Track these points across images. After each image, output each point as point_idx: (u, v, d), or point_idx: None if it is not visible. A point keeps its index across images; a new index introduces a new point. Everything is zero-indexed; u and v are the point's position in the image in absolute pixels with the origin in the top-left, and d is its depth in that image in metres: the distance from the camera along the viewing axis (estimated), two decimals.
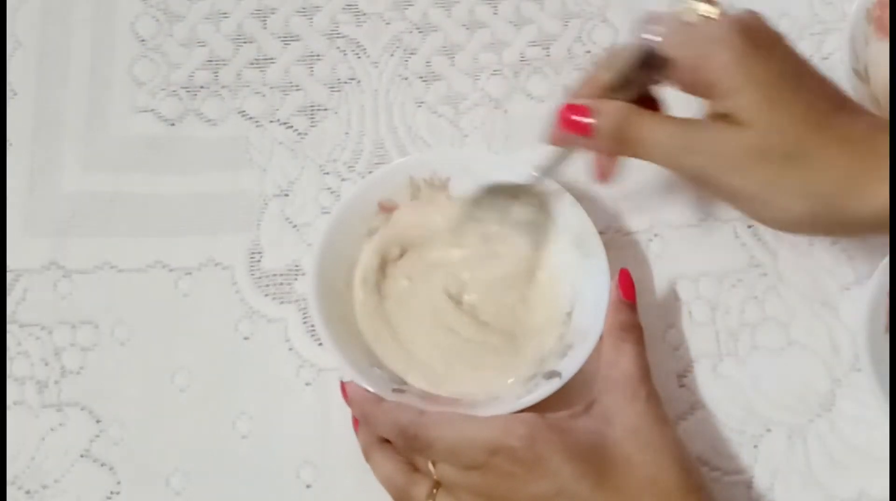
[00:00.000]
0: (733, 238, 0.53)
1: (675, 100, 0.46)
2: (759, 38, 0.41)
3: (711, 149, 0.41)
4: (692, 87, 0.42)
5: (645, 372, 0.44)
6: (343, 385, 0.45)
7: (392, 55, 0.58)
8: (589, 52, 0.58)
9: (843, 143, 0.40)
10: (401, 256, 0.50)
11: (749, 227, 0.53)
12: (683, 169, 0.43)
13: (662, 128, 0.42)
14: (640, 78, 0.44)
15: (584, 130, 0.43)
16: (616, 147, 0.43)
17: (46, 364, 0.50)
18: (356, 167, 0.54)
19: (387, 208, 0.50)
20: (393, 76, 0.57)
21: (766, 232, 0.53)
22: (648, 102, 0.45)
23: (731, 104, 0.40)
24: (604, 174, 0.48)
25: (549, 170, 0.47)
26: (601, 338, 0.45)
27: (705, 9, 0.43)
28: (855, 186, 0.39)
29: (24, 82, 0.57)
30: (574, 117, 0.43)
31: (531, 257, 0.50)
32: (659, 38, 0.43)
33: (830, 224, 0.40)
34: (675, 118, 0.43)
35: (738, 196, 0.41)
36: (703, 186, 0.43)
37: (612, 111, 0.43)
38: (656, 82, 0.45)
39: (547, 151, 0.47)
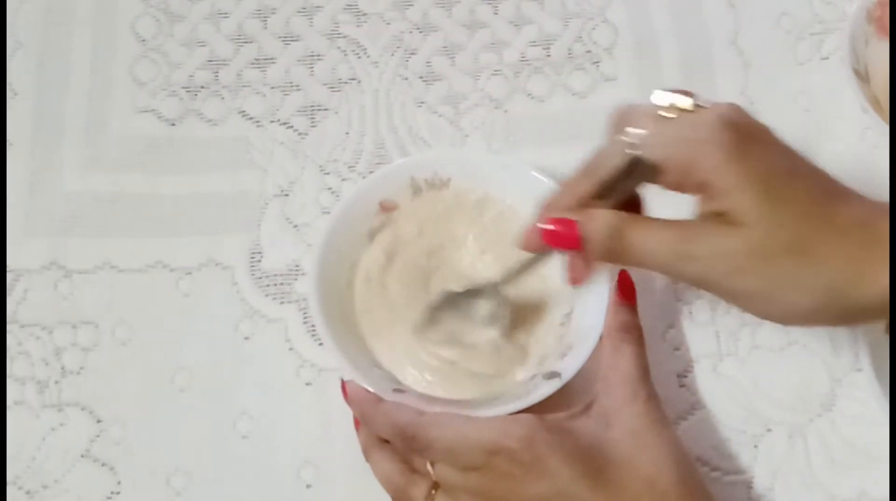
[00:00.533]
0: None
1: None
2: (746, 133, 0.40)
3: (710, 254, 0.39)
4: (682, 188, 0.40)
5: (644, 373, 0.44)
6: (343, 384, 0.45)
7: (392, 55, 0.58)
8: (589, 51, 0.58)
9: (843, 233, 0.38)
10: (402, 255, 0.50)
11: None
12: (682, 276, 0.41)
13: (656, 235, 0.40)
14: (624, 184, 0.41)
15: (571, 243, 0.42)
16: (607, 258, 0.42)
17: (47, 364, 0.50)
18: (357, 167, 0.55)
19: (388, 208, 0.50)
20: (393, 76, 0.57)
21: None
22: (631, 204, 0.43)
23: (726, 204, 0.39)
24: (577, 279, 0.46)
25: (515, 273, 0.46)
26: (601, 339, 0.45)
27: (682, 102, 0.40)
28: (858, 274, 0.38)
29: (24, 82, 0.57)
30: (559, 231, 0.42)
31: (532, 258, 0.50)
32: (638, 150, 0.40)
33: (836, 315, 0.39)
34: (667, 223, 0.41)
35: (741, 297, 0.40)
36: (703, 289, 0.41)
37: (601, 222, 0.41)
38: (641, 186, 0.42)
39: (516, 256, 0.46)
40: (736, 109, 0.41)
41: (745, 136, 0.39)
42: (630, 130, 0.41)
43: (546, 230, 0.42)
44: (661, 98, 0.41)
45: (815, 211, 0.39)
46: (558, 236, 0.42)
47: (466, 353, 0.47)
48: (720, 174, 0.39)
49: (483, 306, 0.47)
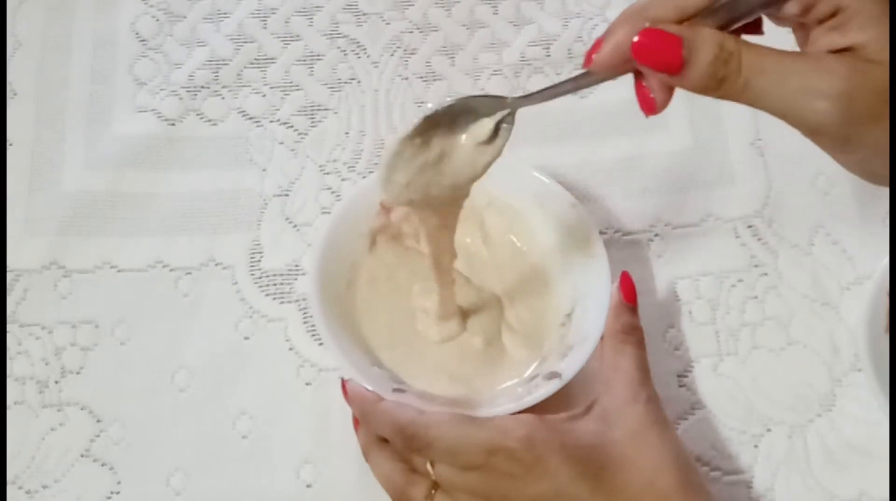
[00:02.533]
0: (734, 238, 0.53)
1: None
2: None
3: (840, 91, 0.33)
4: (810, 13, 0.35)
5: (645, 375, 0.44)
6: (344, 383, 0.45)
7: (392, 55, 0.58)
8: None
9: None
10: (404, 255, 0.50)
11: (749, 227, 0.53)
12: (802, 117, 0.35)
13: (779, 64, 0.34)
14: (744, 3, 0.35)
15: (671, 63, 0.34)
16: (713, 87, 0.35)
17: (47, 364, 0.50)
18: (356, 167, 0.55)
19: (388, 208, 0.50)
20: (393, 76, 0.57)
21: (767, 232, 0.53)
22: (747, 29, 0.37)
23: (863, 37, 0.34)
24: (653, 106, 0.37)
25: (536, 97, 0.39)
26: (602, 340, 0.45)
27: None
28: None
29: (24, 82, 0.57)
30: (659, 46, 0.34)
31: (533, 258, 0.50)
32: None
33: None
34: (786, 53, 0.35)
35: (871, 148, 0.35)
36: (820, 139, 0.35)
37: (711, 42, 0.34)
38: (763, 8, 0.36)
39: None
40: None
41: None
42: None
43: (641, 41, 0.35)
44: None
45: None
46: (655, 53, 0.35)
47: (481, 329, 0.47)
48: (857, 1, 0.34)
49: (484, 125, 0.40)
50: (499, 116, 0.39)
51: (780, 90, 0.34)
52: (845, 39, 0.34)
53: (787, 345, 0.50)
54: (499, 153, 0.40)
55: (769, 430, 0.49)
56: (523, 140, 0.55)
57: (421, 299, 0.49)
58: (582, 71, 0.37)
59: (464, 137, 0.39)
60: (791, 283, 0.51)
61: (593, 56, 0.36)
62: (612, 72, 0.36)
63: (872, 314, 0.47)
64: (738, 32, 0.36)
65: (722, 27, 0.35)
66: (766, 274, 0.52)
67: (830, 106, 0.34)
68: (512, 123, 0.39)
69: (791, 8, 0.35)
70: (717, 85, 0.35)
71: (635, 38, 0.35)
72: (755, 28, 0.37)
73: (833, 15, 0.34)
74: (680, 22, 0.35)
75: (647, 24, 0.35)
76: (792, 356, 0.50)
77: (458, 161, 0.40)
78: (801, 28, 0.37)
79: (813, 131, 0.35)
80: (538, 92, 0.39)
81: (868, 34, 0.34)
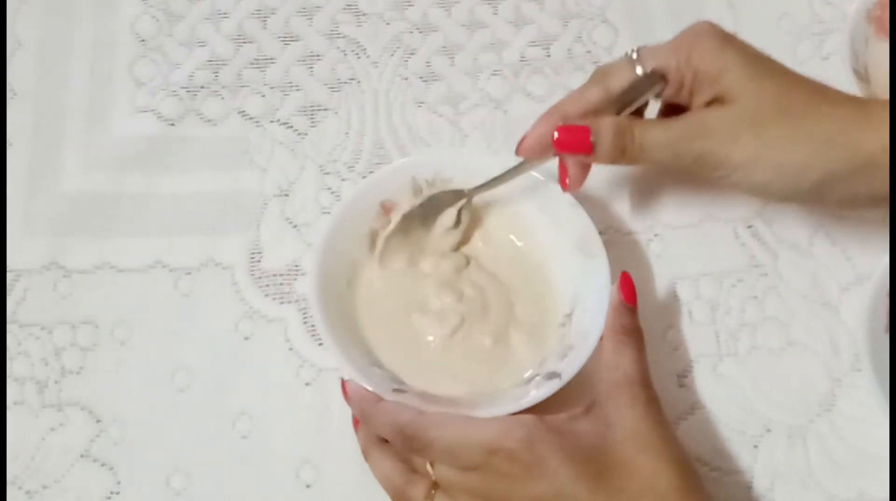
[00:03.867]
0: (733, 238, 0.53)
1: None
2: (732, 35, 0.45)
3: (706, 130, 0.43)
4: (685, 86, 0.45)
5: (645, 376, 0.44)
6: (344, 384, 0.45)
7: (392, 55, 0.58)
8: (589, 52, 0.58)
9: (829, 102, 0.43)
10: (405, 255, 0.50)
11: (749, 227, 0.53)
12: (683, 157, 0.44)
13: (659, 128, 0.44)
14: (633, 97, 0.45)
15: (582, 148, 0.44)
16: (618, 157, 0.45)
17: (46, 364, 0.50)
18: (356, 167, 0.55)
19: (388, 208, 0.50)
20: (393, 76, 0.57)
21: (767, 232, 0.53)
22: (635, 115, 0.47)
23: (719, 86, 0.43)
24: (572, 184, 0.48)
25: (487, 185, 0.48)
26: (601, 340, 0.45)
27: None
28: (843, 133, 0.42)
29: (24, 82, 0.57)
30: (572, 137, 0.44)
31: (533, 258, 0.50)
32: (641, 63, 0.45)
33: (830, 175, 0.42)
34: (667, 118, 0.45)
35: (735, 165, 0.43)
36: (703, 169, 0.44)
37: (610, 125, 0.44)
38: (647, 99, 0.46)
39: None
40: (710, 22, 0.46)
41: (732, 35, 0.45)
42: (632, 50, 0.46)
43: (559, 137, 0.45)
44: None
45: (803, 83, 0.44)
46: (570, 142, 0.44)
47: (481, 329, 0.48)
48: (714, 58, 0.44)
49: (449, 215, 0.49)
50: (459, 204, 0.49)
51: (667, 146, 0.44)
52: (712, 92, 0.44)
53: (787, 345, 0.50)
54: (462, 234, 0.50)
55: (769, 430, 0.49)
56: None
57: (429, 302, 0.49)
58: (518, 160, 0.47)
59: (435, 227, 0.50)
60: (791, 283, 0.51)
61: (520, 148, 0.46)
62: (540, 158, 0.47)
63: (872, 314, 0.47)
64: (631, 116, 0.46)
65: (618, 113, 0.45)
66: (765, 274, 0.52)
67: (700, 143, 0.43)
68: (470, 208, 0.49)
69: (670, 93, 0.46)
70: (621, 154, 0.44)
71: (555, 135, 0.44)
72: (639, 114, 0.47)
73: (697, 80, 0.44)
74: (585, 115, 0.45)
75: (560, 122, 0.45)
76: (792, 356, 0.50)
77: (434, 244, 0.50)
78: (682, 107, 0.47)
79: (693, 167, 0.44)
80: (488, 182, 0.48)
81: (726, 81, 0.43)
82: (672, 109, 0.47)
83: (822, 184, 0.43)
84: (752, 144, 0.43)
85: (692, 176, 0.47)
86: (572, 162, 0.47)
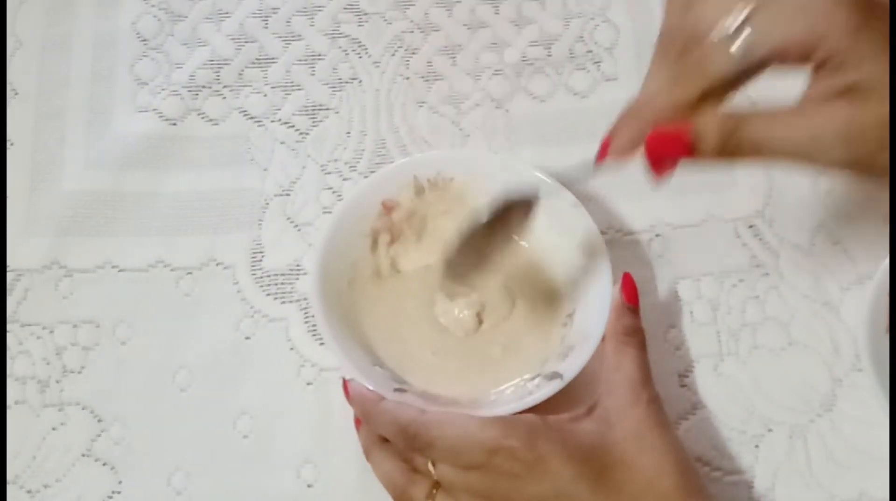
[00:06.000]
0: (734, 238, 0.53)
1: None
2: (868, 2, 0.36)
3: (854, 131, 0.35)
4: (801, 63, 0.36)
5: (647, 376, 0.44)
6: (345, 383, 0.45)
7: (393, 55, 0.58)
8: (590, 51, 0.58)
9: None
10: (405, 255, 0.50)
11: (750, 227, 0.53)
12: (816, 162, 0.37)
13: (780, 125, 0.36)
14: (735, 84, 0.37)
15: (682, 150, 0.38)
16: (725, 160, 0.38)
17: (48, 364, 0.50)
18: (357, 167, 0.55)
19: (390, 208, 0.50)
20: (394, 76, 0.57)
21: (768, 232, 0.53)
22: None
23: (857, 75, 0.35)
24: (662, 176, 0.40)
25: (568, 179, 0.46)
26: (603, 341, 0.45)
27: None
28: None
29: (24, 82, 0.57)
30: (667, 144, 0.38)
31: (535, 257, 0.50)
32: (743, 37, 0.36)
33: None
34: (786, 109, 0.37)
35: (880, 170, 0.36)
36: (840, 172, 0.38)
37: (716, 126, 0.37)
38: (754, 78, 0.38)
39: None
40: None
41: (868, 4, 0.36)
42: (730, 19, 0.36)
43: (651, 145, 0.38)
44: None
45: None
46: (665, 149, 0.38)
47: (482, 329, 0.48)
48: (851, 42, 0.35)
49: (517, 218, 0.45)
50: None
51: (793, 142, 0.36)
52: (844, 80, 0.36)
53: (788, 345, 0.50)
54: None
55: (770, 430, 0.49)
56: (525, 140, 0.55)
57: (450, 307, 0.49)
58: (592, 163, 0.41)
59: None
60: (792, 283, 0.51)
61: (607, 152, 0.40)
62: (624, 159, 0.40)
63: (873, 314, 0.47)
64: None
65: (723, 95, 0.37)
66: (766, 274, 0.52)
67: (845, 147, 0.35)
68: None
69: (783, 63, 0.36)
70: (732, 155, 0.37)
71: (645, 146, 0.38)
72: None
73: (827, 61, 0.36)
74: (679, 111, 0.38)
75: (651, 123, 0.38)
76: (792, 356, 0.50)
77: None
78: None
79: (831, 170, 0.38)
80: (558, 186, 0.46)
81: (865, 72, 0.35)
82: None
83: None
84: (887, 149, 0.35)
85: (803, 170, 0.39)
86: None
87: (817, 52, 0.36)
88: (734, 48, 0.36)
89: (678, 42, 0.38)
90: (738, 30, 0.36)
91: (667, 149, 0.38)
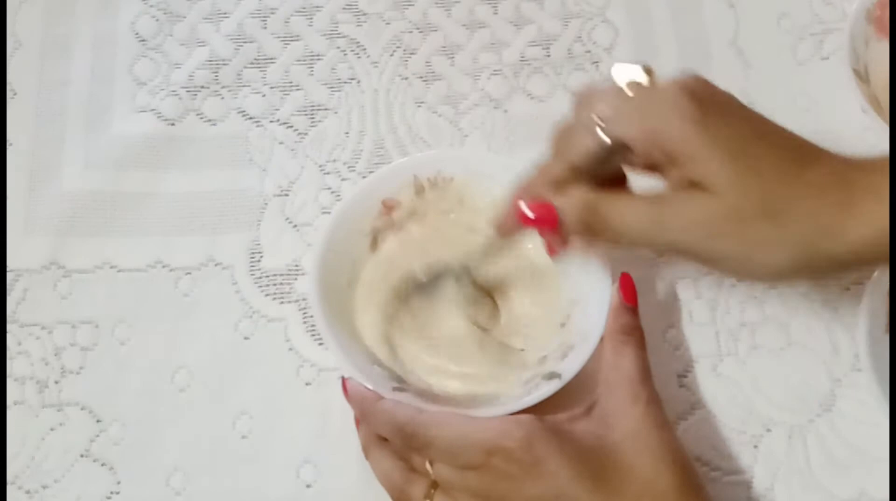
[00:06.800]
0: None
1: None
2: (710, 102, 0.40)
3: (684, 222, 0.40)
4: (651, 162, 0.41)
5: (646, 376, 0.44)
6: (344, 382, 0.45)
7: (392, 55, 0.58)
8: (589, 51, 0.58)
9: (816, 191, 0.39)
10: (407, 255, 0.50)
11: None
12: (655, 244, 0.42)
13: (631, 208, 0.41)
14: (597, 167, 0.42)
15: (549, 224, 0.42)
16: (584, 236, 0.43)
17: (47, 364, 0.50)
18: (356, 167, 0.55)
19: (390, 207, 0.50)
20: (393, 76, 0.57)
21: None
22: (615, 181, 0.44)
23: (695, 172, 0.39)
24: (554, 252, 0.47)
25: (484, 255, 0.47)
26: (602, 340, 0.45)
27: (640, 77, 0.41)
28: (830, 228, 0.38)
29: (24, 82, 0.57)
30: (537, 213, 0.43)
31: (533, 258, 0.50)
32: (605, 131, 0.41)
33: (811, 270, 0.40)
34: (641, 197, 0.42)
35: (719, 260, 0.41)
36: (681, 256, 0.43)
37: (577, 201, 0.42)
38: (616, 166, 0.43)
39: (485, 240, 0.47)
40: (698, 79, 0.41)
41: (709, 104, 0.40)
42: (595, 114, 0.41)
43: (523, 213, 0.43)
44: (620, 74, 0.42)
45: (786, 173, 0.39)
46: (535, 219, 0.43)
47: (481, 330, 0.48)
48: (686, 143, 0.39)
49: (450, 290, 0.48)
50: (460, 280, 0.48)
51: (637, 228, 0.41)
52: (685, 176, 0.40)
53: (787, 345, 0.50)
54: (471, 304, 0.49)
55: (769, 430, 0.49)
56: (523, 141, 0.55)
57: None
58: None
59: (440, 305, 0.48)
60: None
61: (499, 229, 0.45)
62: (519, 233, 0.45)
63: (872, 314, 0.47)
64: (609, 185, 0.43)
65: (592, 186, 0.42)
66: (772, 286, 0.51)
67: (677, 234, 0.40)
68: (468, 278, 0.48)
69: (638, 163, 0.41)
70: (585, 230, 0.42)
71: (524, 211, 0.43)
72: (621, 184, 0.44)
73: (670, 160, 0.40)
74: (552, 189, 0.42)
75: (528, 199, 0.43)
76: (792, 356, 0.50)
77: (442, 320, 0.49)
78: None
79: (669, 253, 0.44)
80: (482, 256, 0.47)
81: (701, 169, 0.39)
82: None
83: (806, 276, 0.43)
84: (734, 242, 0.39)
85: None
86: (550, 236, 0.46)
87: (658, 152, 0.40)
88: (591, 137, 0.41)
89: (564, 131, 0.43)
90: (596, 124, 0.41)
91: (539, 220, 0.42)
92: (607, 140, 0.41)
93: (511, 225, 0.44)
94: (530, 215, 0.43)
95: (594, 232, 0.42)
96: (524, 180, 0.44)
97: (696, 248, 0.40)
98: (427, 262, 0.49)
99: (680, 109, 0.40)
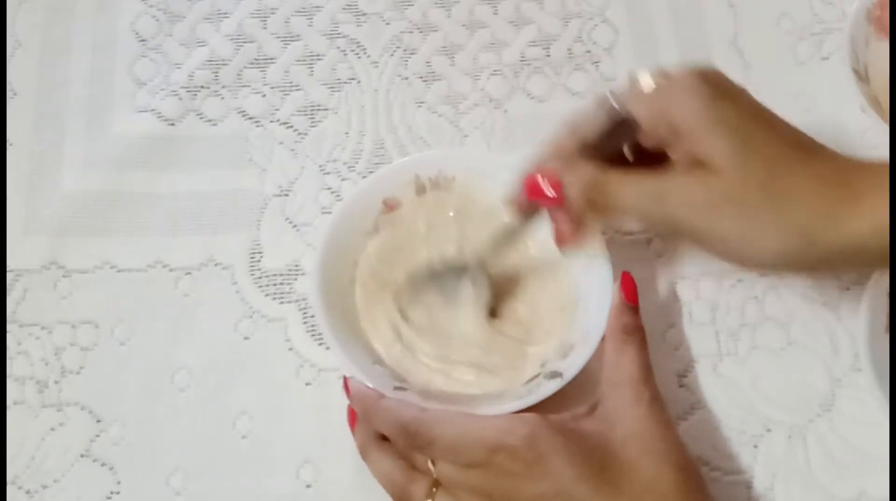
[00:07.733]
0: None
1: None
2: (722, 87, 0.42)
3: (684, 198, 0.41)
4: (658, 140, 0.42)
5: (648, 375, 0.44)
6: (346, 381, 0.45)
7: (392, 55, 0.58)
8: (589, 51, 0.58)
9: (817, 180, 0.40)
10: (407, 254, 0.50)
11: None
12: (655, 220, 0.43)
13: (632, 185, 0.42)
14: (608, 142, 0.43)
15: (554, 197, 0.43)
16: (588, 209, 0.43)
17: (46, 364, 0.50)
18: (356, 167, 0.55)
19: (391, 207, 0.50)
20: (393, 76, 0.57)
21: None
22: (618, 160, 0.45)
23: (700, 149, 0.40)
24: (562, 240, 0.46)
25: (495, 247, 0.47)
26: (603, 340, 0.45)
27: (654, 79, 0.43)
28: (830, 218, 0.39)
29: (24, 82, 0.57)
30: (542, 182, 0.43)
31: (534, 258, 0.50)
32: (619, 107, 0.43)
33: (806, 260, 0.40)
34: (643, 173, 0.42)
35: (716, 240, 0.41)
36: (677, 235, 0.44)
37: (582, 176, 0.43)
38: (623, 144, 0.45)
39: (500, 228, 0.48)
40: (714, 70, 0.43)
41: (721, 88, 0.42)
42: (612, 90, 0.43)
43: (529, 182, 0.44)
44: (639, 76, 0.44)
45: (790, 157, 0.40)
46: (542, 191, 0.43)
47: (482, 329, 0.48)
48: (694, 118, 0.41)
49: (464, 285, 0.48)
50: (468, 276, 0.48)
51: (639, 201, 0.42)
52: (690, 152, 0.41)
53: (787, 345, 0.50)
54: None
55: (769, 430, 0.49)
56: (523, 141, 0.55)
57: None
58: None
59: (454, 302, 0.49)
60: (791, 283, 0.51)
61: (512, 208, 0.46)
62: (532, 213, 0.46)
63: (872, 314, 0.47)
64: (614, 161, 0.44)
65: (600, 158, 0.43)
66: (765, 274, 0.52)
67: (677, 209, 0.41)
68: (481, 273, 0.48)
69: (648, 140, 0.43)
70: (593, 205, 0.42)
71: (527, 182, 0.44)
72: (623, 161, 0.46)
73: (678, 136, 0.41)
74: (561, 164, 0.43)
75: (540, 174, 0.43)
76: (792, 356, 0.50)
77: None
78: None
79: (666, 230, 0.44)
80: (493, 247, 0.48)
81: (707, 146, 0.40)
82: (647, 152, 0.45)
83: (802, 266, 0.43)
84: (733, 222, 0.40)
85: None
86: (560, 218, 0.45)
87: (667, 126, 0.41)
88: (607, 114, 0.43)
89: (578, 112, 0.45)
90: (608, 101, 0.43)
91: (543, 192, 0.43)
92: (618, 109, 0.42)
93: (523, 202, 0.45)
94: (533, 185, 0.43)
95: (597, 207, 0.43)
96: (535, 157, 0.45)
97: (694, 226, 0.41)
98: (443, 255, 0.49)
99: (692, 89, 0.41)
